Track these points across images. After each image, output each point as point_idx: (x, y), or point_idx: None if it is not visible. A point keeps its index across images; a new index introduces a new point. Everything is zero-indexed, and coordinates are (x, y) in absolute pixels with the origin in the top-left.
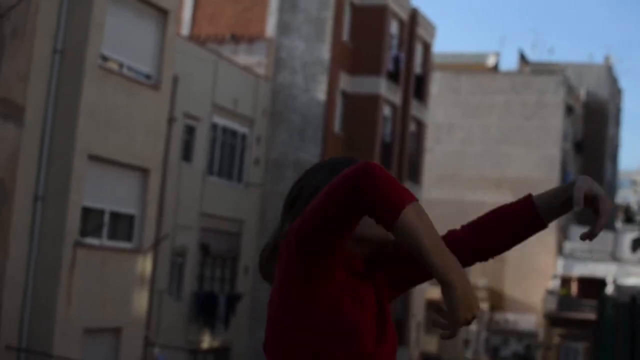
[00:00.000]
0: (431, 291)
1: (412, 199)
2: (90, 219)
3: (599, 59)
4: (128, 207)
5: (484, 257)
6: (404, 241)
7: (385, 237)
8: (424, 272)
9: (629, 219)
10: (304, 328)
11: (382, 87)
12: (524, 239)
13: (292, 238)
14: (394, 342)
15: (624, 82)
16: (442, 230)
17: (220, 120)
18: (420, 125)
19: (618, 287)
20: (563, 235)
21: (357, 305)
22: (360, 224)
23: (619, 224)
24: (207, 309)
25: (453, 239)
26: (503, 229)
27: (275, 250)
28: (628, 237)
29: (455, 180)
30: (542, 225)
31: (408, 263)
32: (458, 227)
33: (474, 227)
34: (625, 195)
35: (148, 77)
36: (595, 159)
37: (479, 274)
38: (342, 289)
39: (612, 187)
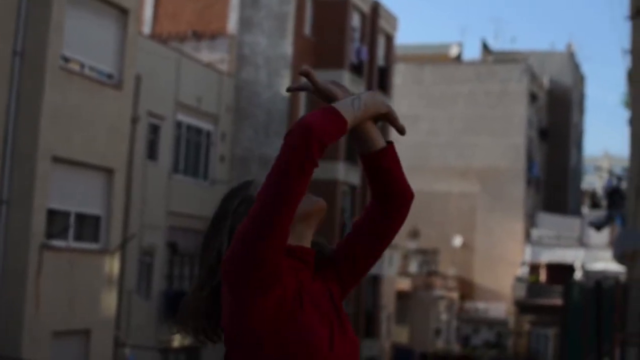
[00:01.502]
0: (401, 282)
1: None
2: (56, 221)
3: (561, 47)
4: (94, 208)
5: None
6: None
7: (322, 206)
8: (367, 258)
9: (595, 204)
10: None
11: (346, 81)
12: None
13: (230, 268)
14: (354, 339)
15: (586, 69)
16: (411, 221)
17: (185, 118)
18: None
19: (586, 272)
20: (530, 222)
21: (315, 310)
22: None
23: (585, 210)
24: (177, 307)
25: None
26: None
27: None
28: (594, 217)
29: (421, 171)
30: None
31: (350, 254)
32: (426, 218)
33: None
34: (590, 181)
35: (110, 76)
36: (560, 145)
37: (448, 264)
38: (296, 298)
39: (577, 173)
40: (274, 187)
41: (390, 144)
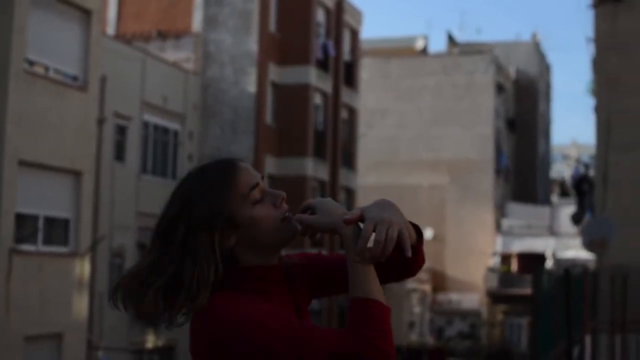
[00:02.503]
0: None
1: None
2: (25, 225)
3: (526, 37)
4: (62, 211)
5: None
6: None
7: (294, 233)
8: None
9: (564, 193)
10: None
11: (312, 76)
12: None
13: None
14: None
15: (552, 58)
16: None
17: (151, 118)
18: (352, 112)
19: (557, 261)
20: (501, 212)
21: None
22: (259, 236)
23: (555, 198)
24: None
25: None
26: None
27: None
28: (564, 211)
29: (390, 165)
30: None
31: (334, 281)
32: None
33: None
34: (559, 170)
35: (75, 78)
36: (528, 135)
37: None
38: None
39: (545, 162)
40: None
41: (420, 235)
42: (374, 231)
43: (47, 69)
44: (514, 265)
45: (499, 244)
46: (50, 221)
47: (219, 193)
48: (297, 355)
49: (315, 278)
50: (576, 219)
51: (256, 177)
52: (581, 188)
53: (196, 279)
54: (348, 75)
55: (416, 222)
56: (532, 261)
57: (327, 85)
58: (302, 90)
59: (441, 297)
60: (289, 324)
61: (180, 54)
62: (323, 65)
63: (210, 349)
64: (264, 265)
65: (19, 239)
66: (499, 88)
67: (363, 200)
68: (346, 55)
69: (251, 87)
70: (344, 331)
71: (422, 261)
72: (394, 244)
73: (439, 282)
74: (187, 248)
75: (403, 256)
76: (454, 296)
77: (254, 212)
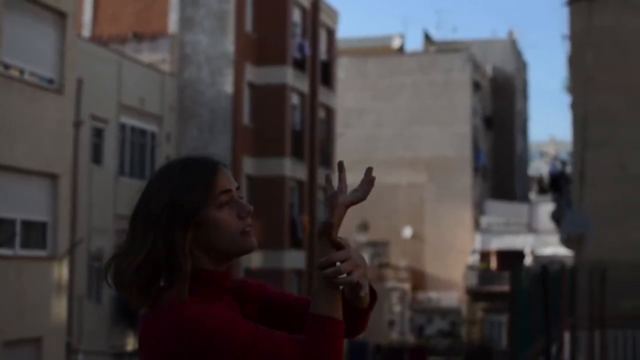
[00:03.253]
0: None
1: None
2: (2, 229)
3: (502, 35)
4: (40, 215)
5: None
6: None
7: (251, 248)
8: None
9: (542, 190)
10: None
11: (289, 76)
12: None
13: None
14: None
15: (528, 56)
16: (360, 214)
17: (128, 120)
18: (330, 111)
19: (536, 258)
20: (479, 210)
21: None
22: (217, 240)
23: (533, 196)
24: (129, 311)
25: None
26: None
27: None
28: (543, 208)
29: (369, 164)
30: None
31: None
32: (375, 210)
33: None
34: (537, 167)
35: (51, 81)
36: (505, 133)
37: (399, 255)
38: None
39: (523, 160)
40: None
41: (374, 299)
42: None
43: (22, 72)
44: (493, 263)
45: (477, 242)
46: (27, 225)
47: (198, 189)
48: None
49: (266, 309)
50: (556, 217)
51: (231, 184)
52: (559, 185)
53: (177, 268)
54: (325, 74)
55: (395, 221)
56: (511, 258)
57: (304, 85)
58: (279, 91)
59: (421, 295)
60: (255, 331)
61: (156, 55)
62: (300, 65)
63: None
64: (216, 270)
65: None
66: (476, 86)
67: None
68: (323, 55)
69: (228, 87)
70: (302, 343)
71: (365, 326)
72: (363, 282)
73: (419, 280)
74: (169, 237)
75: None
76: (433, 294)
77: (217, 215)
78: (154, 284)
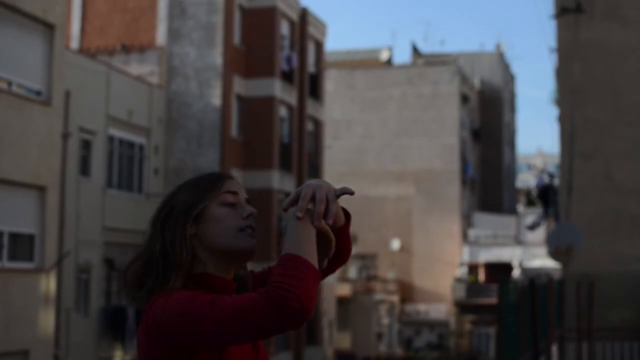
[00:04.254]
0: (341, 288)
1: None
2: None
3: (490, 47)
4: (27, 227)
5: None
6: None
7: (252, 249)
8: None
9: (530, 202)
10: None
11: (277, 89)
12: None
13: (160, 334)
14: None
15: (516, 68)
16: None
17: (116, 132)
18: (318, 123)
19: (524, 270)
20: (467, 222)
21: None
22: (215, 235)
23: (521, 208)
24: (117, 323)
25: None
26: None
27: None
28: (530, 221)
29: (357, 176)
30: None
31: None
32: (363, 223)
33: None
34: (525, 179)
35: (39, 93)
36: (493, 145)
37: (387, 268)
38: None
39: (511, 172)
40: (243, 324)
41: (348, 217)
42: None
43: (10, 83)
44: (481, 275)
45: (465, 254)
46: (15, 237)
47: (202, 189)
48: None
49: None
50: (532, 226)
51: (238, 188)
52: (546, 197)
53: (173, 262)
54: (313, 87)
55: (383, 233)
56: (499, 271)
57: (292, 98)
58: (267, 103)
59: (409, 307)
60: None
61: (144, 67)
62: (288, 77)
63: (148, 340)
64: (218, 275)
65: None
66: (464, 98)
67: None
68: (311, 67)
69: (216, 100)
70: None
71: (348, 247)
72: (334, 206)
73: (407, 293)
74: (165, 230)
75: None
76: (422, 307)
77: (216, 210)
78: (151, 280)
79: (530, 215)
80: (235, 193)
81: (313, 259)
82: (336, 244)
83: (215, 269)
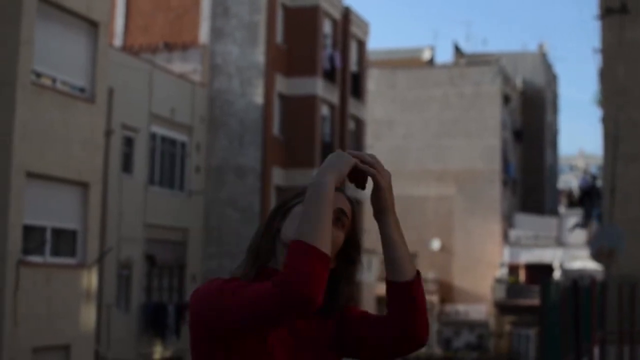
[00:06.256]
0: (381, 287)
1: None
2: (32, 237)
3: (532, 47)
4: (70, 223)
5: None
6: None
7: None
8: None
9: (572, 203)
10: None
11: (319, 87)
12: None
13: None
14: None
15: (559, 69)
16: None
17: (159, 130)
18: (359, 123)
19: (565, 272)
20: (508, 223)
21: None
22: (287, 230)
23: (562, 209)
24: (157, 319)
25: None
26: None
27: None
28: (572, 222)
29: (398, 176)
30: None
31: (360, 326)
32: (404, 222)
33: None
34: (567, 180)
35: (82, 90)
36: (535, 146)
37: (427, 267)
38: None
39: (553, 173)
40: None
41: (418, 274)
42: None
43: (54, 80)
44: (522, 276)
45: (506, 255)
46: (57, 232)
47: (302, 188)
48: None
49: (344, 326)
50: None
51: (342, 204)
52: (589, 199)
53: (252, 250)
54: (355, 86)
55: (424, 233)
56: (539, 272)
57: (334, 97)
58: (309, 102)
59: (449, 308)
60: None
61: (187, 65)
62: (330, 76)
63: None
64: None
65: (27, 251)
66: (506, 99)
67: (371, 212)
68: (353, 66)
69: (258, 98)
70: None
71: (421, 317)
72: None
73: (447, 293)
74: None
75: None
76: (461, 307)
77: (297, 208)
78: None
79: (572, 217)
80: (342, 211)
81: (322, 241)
82: (406, 316)
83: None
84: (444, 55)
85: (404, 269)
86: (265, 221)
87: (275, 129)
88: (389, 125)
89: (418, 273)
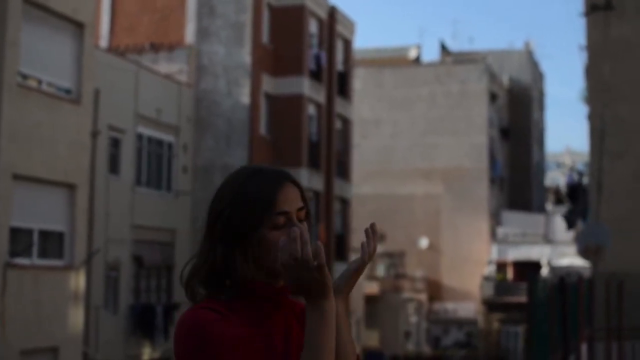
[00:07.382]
0: (369, 286)
1: None
2: (19, 239)
3: (519, 45)
4: (57, 224)
5: None
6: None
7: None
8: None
9: (559, 200)
10: None
11: (305, 87)
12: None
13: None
14: None
15: (545, 66)
16: (377, 225)
17: (145, 131)
18: (346, 122)
19: (552, 269)
20: (495, 221)
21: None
22: (266, 257)
23: (549, 206)
24: (145, 320)
25: None
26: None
27: (204, 281)
28: (559, 219)
29: (385, 175)
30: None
31: None
32: (391, 221)
33: None
34: (553, 177)
35: (68, 91)
36: (522, 144)
37: (415, 266)
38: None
39: (540, 170)
40: None
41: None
42: None
43: (40, 82)
44: (510, 273)
45: (494, 253)
46: (45, 234)
47: (258, 212)
48: None
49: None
50: (569, 219)
51: (292, 205)
52: (576, 195)
53: (203, 269)
54: (341, 85)
55: (412, 232)
56: (527, 269)
57: (321, 96)
58: (296, 101)
59: (437, 306)
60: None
61: (173, 66)
62: (316, 75)
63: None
64: (265, 282)
65: (14, 253)
66: (493, 96)
67: (357, 210)
68: (339, 66)
69: (245, 98)
70: None
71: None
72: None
73: (435, 291)
74: (218, 248)
75: None
76: (450, 305)
77: (268, 236)
78: (200, 287)
79: (559, 215)
80: (286, 213)
81: (328, 352)
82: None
83: (263, 277)
84: (431, 54)
85: (348, 354)
86: (214, 246)
87: (262, 128)
88: (376, 124)
89: (358, 358)
